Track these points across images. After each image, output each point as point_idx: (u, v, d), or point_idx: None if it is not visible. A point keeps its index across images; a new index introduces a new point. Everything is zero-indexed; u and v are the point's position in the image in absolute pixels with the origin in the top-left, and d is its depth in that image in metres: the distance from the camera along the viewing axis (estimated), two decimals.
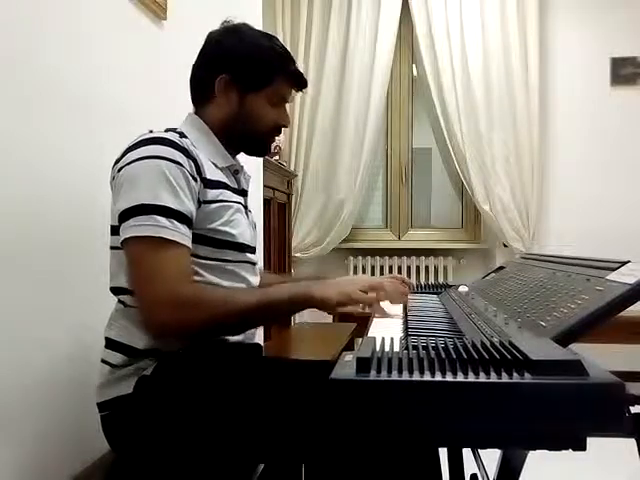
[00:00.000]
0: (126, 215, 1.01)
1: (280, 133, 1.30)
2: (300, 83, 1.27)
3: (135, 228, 1.00)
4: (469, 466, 1.38)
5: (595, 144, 3.61)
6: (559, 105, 3.65)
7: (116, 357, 1.09)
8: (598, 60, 3.61)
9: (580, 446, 0.57)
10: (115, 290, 1.12)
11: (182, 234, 1.02)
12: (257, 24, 2.11)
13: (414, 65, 3.85)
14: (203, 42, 1.24)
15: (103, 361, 1.11)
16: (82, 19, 1.30)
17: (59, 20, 1.22)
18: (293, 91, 1.28)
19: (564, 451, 0.57)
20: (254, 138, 1.25)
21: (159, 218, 1.00)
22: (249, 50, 1.20)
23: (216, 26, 1.26)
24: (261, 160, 2.43)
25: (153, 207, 1.00)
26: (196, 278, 1.08)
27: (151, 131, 1.16)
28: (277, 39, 1.25)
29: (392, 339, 0.69)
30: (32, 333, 1.14)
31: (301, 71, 1.27)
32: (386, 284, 1.24)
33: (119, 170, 1.07)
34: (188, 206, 1.04)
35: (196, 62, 1.24)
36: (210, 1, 1.93)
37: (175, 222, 1.01)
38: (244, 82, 1.19)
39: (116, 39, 1.43)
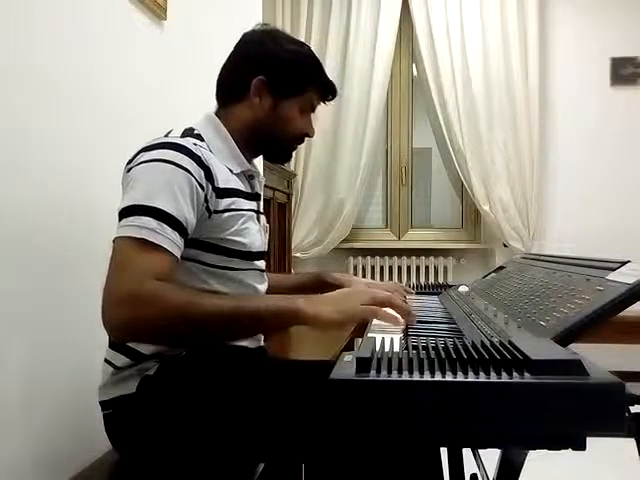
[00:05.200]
0: (120, 215, 0.99)
1: (303, 142, 1.29)
2: (332, 94, 1.27)
3: (121, 229, 0.97)
4: (469, 466, 1.38)
5: (595, 144, 3.61)
6: (559, 105, 3.65)
7: (120, 359, 1.08)
8: (598, 60, 3.61)
9: (580, 446, 0.57)
10: None
11: (168, 238, 0.96)
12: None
13: (414, 65, 3.84)
14: (239, 41, 1.22)
15: (107, 361, 1.11)
16: (82, 19, 1.30)
17: (58, 20, 1.22)
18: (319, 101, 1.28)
19: (564, 451, 0.58)
20: (279, 144, 1.25)
21: (147, 219, 0.95)
22: (289, 56, 1.19)
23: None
24: (261, 160, 2.42)
25: (145, 208, 0.97)
26: (202, 286, 1.07)
27: (168, 134, 1.16)
28: (309, 47, 1.25)
29: (392, 339, 0.70)
30: (33, 333, 1.14)
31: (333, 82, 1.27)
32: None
33: (128, 171, 1.06)
34: (185, 213, 0.99)
35: (232, 60, 1.22)
36: (210, 1, 1.93)
37: (164, 226, 0.96)
38: (281, 87, 1.19)
39: (116, 39, 1.43)
